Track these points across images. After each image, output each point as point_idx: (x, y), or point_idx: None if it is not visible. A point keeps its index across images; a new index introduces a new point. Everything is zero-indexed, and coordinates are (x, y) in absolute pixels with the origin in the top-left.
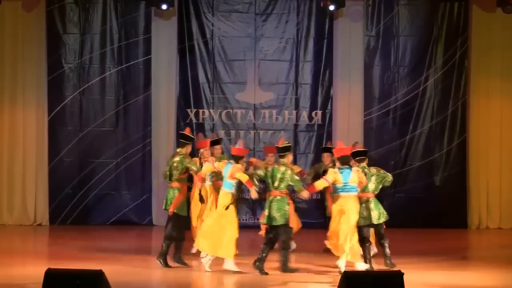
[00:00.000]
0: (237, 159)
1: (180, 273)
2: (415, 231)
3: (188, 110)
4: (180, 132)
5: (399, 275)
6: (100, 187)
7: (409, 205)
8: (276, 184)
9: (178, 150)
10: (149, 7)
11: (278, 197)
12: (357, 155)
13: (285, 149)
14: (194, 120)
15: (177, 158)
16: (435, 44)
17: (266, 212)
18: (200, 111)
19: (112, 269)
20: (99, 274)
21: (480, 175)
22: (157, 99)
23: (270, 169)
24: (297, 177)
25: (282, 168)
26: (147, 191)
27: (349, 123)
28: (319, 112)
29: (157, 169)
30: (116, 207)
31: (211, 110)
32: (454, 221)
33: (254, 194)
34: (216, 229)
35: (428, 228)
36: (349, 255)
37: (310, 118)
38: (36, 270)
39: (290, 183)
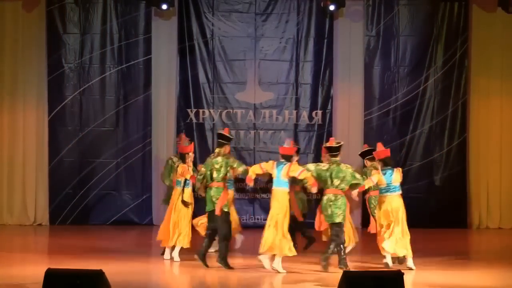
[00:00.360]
0: (287, 158)
1: (180, 272)
2: (415, 231)
3: (188, 110)
4: (218, 132)
5: (399, 275)
6: (100, 187)
7: (409, 205)
8: (337, 183)
9: (216, 150)
10: (149, 7)
11: (339, 196)
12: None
13: (338, 149)
14: (194, 120)
15: (219, 159)
16: (435, 44)
17: (328, 212)
18: (200, 111)
19: (112, 269)
20: (99, 274)
21: (480, 175)
22: (157, 99)
23: (331, 167)
24: (356, 174)
25: (343, 167)
26: (147, 191)
27: (349, 123)
28: (319, 112)
29: (157, 168)
30: (116, 207)
31: (211, 110)
32: (454, 221)
33: (314, 190)
34: (280, 230)
35: (428, 228)
36: (407, 250)
37: (310, 118)
38: (36, 270)
39: (351, 180)
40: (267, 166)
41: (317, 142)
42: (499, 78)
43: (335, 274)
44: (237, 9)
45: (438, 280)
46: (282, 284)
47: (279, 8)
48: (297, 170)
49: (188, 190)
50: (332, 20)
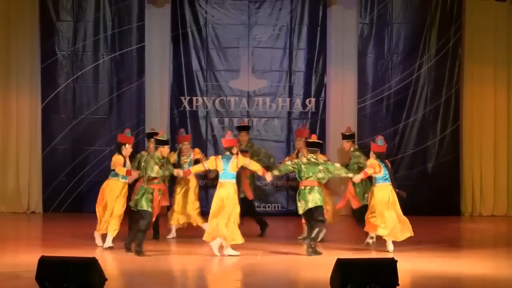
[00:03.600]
0: (230, 150)
1: (173, 260)
2: (408, 219)
3: (182, 98)
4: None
5: (393, 262)
6: (93, 175)
7: None
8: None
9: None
10: None
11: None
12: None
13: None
14: (187, 108)
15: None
16: (428, 32)
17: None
18: (194, 98)
19: (105, 257)
20: (93, 262)
21: (474, 163)
22: (151, 87)
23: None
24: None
25: None
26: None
27: (342, 110)
28: (313, 100)
29: None
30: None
31: (205, 98)
32: (448, 208)
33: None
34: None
35: (421, 216)
36: None
37: (304, 105)
38: (30, 258)
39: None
40: (210, 164)
41: (310, 130)
42: (493, 66)
43: (329, 261)
44: None
45: (431, 268)
46: (276, 268)
47: None
48: (246, 160)
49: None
50: (326, 7)
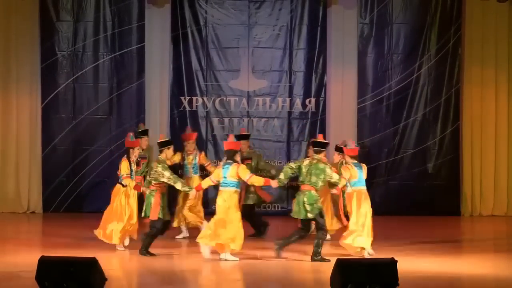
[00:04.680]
0: (232, 154)
1: (172, 261)
2: (408, 219)
3: (182, 98)
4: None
5: (393, 263)
6: (93, 175)
7: (402, 192)
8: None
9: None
10: None
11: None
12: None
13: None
14: (187, 108)
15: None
16: (428, 32)
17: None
18: (194, 98)
19: (105, 257)
20: (93, 262)
21: (473, 163)
22: (151, 87)
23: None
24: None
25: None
26: None
27: (342, 110)
28: (313, 100)
29: (150, 156)
30: (110, 195)
31: (205, 98)
32: (447, 208)
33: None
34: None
35: (421, 216)
36: None
37: (304, 105)
38: (30, 258)
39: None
40: (216, 176)
41: (310, 130)
42: (493, 66)
43: (327, 262)
44: None
45: (431, 268)
46: (275, 271)
47: None
48: (246, 174)
49: None
50: (326, 7)
